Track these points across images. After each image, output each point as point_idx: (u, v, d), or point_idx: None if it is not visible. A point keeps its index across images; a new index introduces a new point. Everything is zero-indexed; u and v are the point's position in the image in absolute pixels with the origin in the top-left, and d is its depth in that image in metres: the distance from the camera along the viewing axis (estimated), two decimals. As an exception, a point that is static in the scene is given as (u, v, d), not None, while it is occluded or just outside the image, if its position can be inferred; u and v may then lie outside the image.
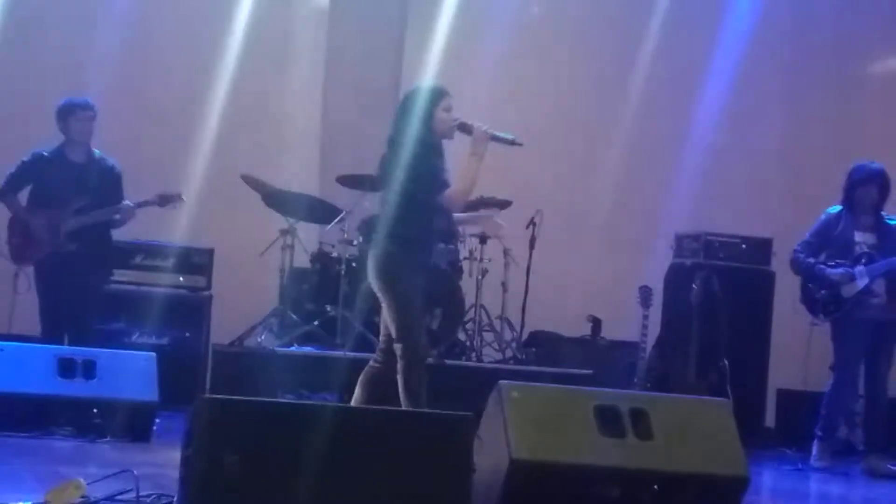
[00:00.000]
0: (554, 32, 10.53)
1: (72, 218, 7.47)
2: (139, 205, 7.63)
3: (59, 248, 7.45)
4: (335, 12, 10.02)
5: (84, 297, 7.50)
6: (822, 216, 7.83)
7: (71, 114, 7.50)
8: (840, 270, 7.62)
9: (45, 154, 7.57)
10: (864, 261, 7.61)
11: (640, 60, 10.48)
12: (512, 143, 5.91)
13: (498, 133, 5.91)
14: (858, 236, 7.66)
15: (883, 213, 7.73)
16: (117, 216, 7.64)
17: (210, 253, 8.96)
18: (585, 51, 10.60)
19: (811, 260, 7.76)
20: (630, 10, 10.62)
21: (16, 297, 7.78)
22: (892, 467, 7.58)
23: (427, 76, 10.11)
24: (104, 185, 7.59)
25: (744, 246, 9.17)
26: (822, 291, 7.68)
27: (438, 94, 6.00)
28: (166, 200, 7.72)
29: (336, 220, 8.71)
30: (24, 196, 7.62)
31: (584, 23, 10.61)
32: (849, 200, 7.71)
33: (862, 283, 7.57)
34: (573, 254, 10.26)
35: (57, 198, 7.50)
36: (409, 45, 10.13)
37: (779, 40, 10.76)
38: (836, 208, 7.77)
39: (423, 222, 5.98)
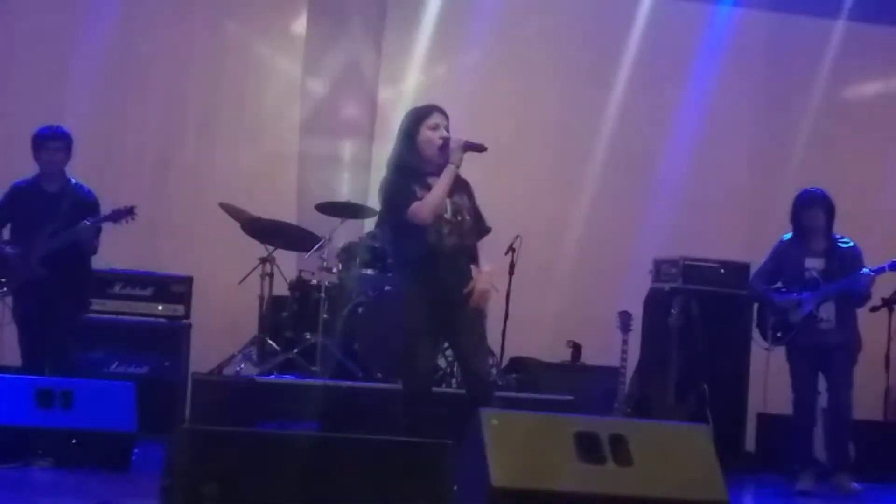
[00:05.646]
0: (529, 57, 10.56)
1: (42, 244, 7.39)
2: (94, 222, 7.46)
3: (32, 275, 7.36)
4: (310, 41, 10.03)
5: (60, 326, 7.41)
6: (777, 243, 7.97)
7: (39, 145, 7.48)
8: (787, 297, 7.76)
9: (21, 186, 7.55)
10: (811, 286, 7.71)
11: (616, 86, 10.52)
12: (481, 148, 6.03)
13: (471, 141, 6.01)
14: (809, 262, 7.77)
15: (836, 235, 7.82)
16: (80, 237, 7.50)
17: (189, 281, 8.94)
18: (562, 77, 10.63)
19: (763, 287, 7.92)
20: (607, 34, 10.66)
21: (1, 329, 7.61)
22: (856, 485, 7.67)
23: (401, 105, 10.16)
24: (76, 211, 7.47)
25: (722, 270, 9.20)
26: (773, 317, 7.81)
27: (423, 113, 6.02)
28: (119, 215, 7.51)
29: (315, 247, 8.70)
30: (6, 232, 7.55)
31: (560, 46, 10.64)
32: (797, 227, 7.83)
33: (807, 308, 7.69)
34: (552, 279, 10.28)
35: (31, 227, 7.43)
36: (385, 75, 10.15)
37: (754, 65, 10.83)
38: (789, 235, 7.91)
39: (413, 245, 5.98)
